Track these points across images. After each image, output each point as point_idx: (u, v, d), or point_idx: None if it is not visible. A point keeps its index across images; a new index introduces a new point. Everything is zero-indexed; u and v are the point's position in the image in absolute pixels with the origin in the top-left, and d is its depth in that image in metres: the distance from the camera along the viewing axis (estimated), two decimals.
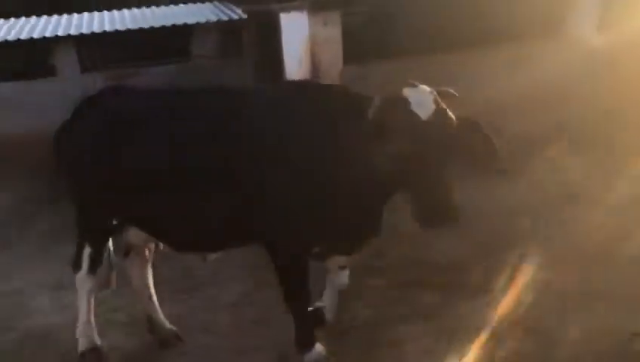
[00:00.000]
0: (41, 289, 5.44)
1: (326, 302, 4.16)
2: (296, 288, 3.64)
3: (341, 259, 3.81)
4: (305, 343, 3.75)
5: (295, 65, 9.27)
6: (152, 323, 4.29)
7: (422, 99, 2.97)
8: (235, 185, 3.40)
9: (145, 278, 4.29)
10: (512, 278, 4.65)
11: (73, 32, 11.29)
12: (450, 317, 4.25)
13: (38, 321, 4.87)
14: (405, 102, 2.96)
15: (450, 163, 3.03)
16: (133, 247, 4.21)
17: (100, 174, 3.75)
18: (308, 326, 3.75)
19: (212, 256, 4.02)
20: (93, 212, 3.96)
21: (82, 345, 4.06)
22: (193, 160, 3.50)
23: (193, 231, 3.76)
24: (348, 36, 9.41)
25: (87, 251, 3.98)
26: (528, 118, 8.55)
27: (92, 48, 12.39)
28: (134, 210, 3.79)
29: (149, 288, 4.30)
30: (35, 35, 11.09)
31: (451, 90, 3.21)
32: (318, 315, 4.08)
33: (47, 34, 11.13)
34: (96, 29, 11.55)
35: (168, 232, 3.89)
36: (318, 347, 3.77)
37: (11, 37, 11.22)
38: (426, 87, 3.09)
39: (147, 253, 4.28)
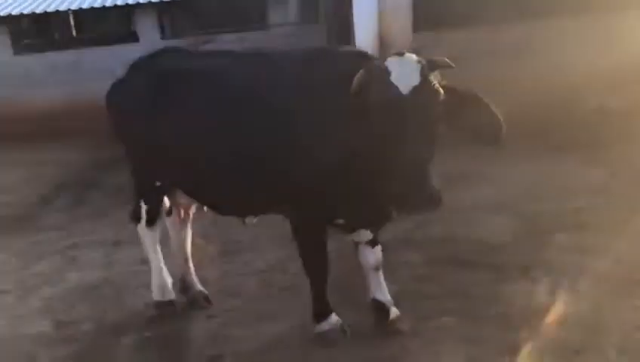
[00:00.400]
0: (94, 245, 5.74)
1: (370, 283, 3.83)
2: (313, 257, 3.61)
3: (366, 234, 3.63)
4: (320, 313, 3.73)
5: (364, 32, 9.09)
6: (184, 284, 4.41)
7: (405, 70, 2.74)
8: (259, 150, 3.37)
9: (183, 239, 4.39)
10: (559, 265, 4.41)
11: None
12: (478, 298, 4.07)
13: (86, 274, 5.14)
14: (385, 73, 2.77)
15: (435, 141, 2.85)
16: (175, 207, 4.31)
17: (142, 135, 3.84)
18: (323, 297, 3.72)
19: (252, 220, 3.99)
20: (140, 172, 4.09)
21: (156, 295, 4.23)
22: (221, 124, 3.51)
23: (226, 194, 3.78)
24: (421, 3, 9.10)
25: (143, 207, 4.12)
26: (625, 92, 8.06)
27: (173, 16, 12.74)
28: (174, 171, 3.86)
29: (185, 249, 4.39)
30: (119, 2, 11.50)
31: (447, 60, 2.93)
32: (378, 307, 3.79)
33: (130, 1, 11.51)
34: None
35: (204, 194, 3.94)
36: (334, 318, 3.74)
37: (97, 4, 11.72)
38: (412, 56, 2.84)
39: (188, 214, 4.37)
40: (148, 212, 4.12)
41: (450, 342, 3.61)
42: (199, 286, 4.43)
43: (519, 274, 4.34)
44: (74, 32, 14.97)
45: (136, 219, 4.20)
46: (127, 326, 4.19)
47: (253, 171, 3.45)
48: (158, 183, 4.00)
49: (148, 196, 4.10)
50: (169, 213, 4.32)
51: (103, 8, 11.88)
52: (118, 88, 4.06)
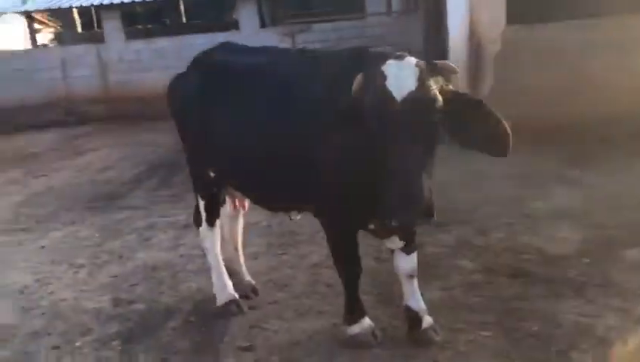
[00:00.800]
0: (167, 227, 6.05)
1: (404, 290, 3.72)
2: (343, 258, 3.59)
3: (396, 240, 3.50)
4: (351, 315, 3.71)
5: (454, 23, 8.82)
6: (232, 274, 4.54)
7: (401, 74, 2.63)
8: (287, 147, 3.40)
9: (234, 229, 4.51)
10: (621, 286, 4.09)
11: None
12: (523, 313, 3.86)
13: (153, 255, 5.44)
14: (382, 77, 2.67)
15: (430, 149, 2.71)
16: (229, 197, 4.42)
17: (194, 127, 4.00)
18: (355, 299, 3.69)
19: (296, 216, 4.05)
20: (196, 163, 4.25)
21: (221, 299, 4.24)
22: (255, 119, 3.57)
23: (261, 188, 3.86)
24: None
25: (201, 203, 4.25)
26: None
27: (272, 5, 13.00)
28: (220, 163, 3.97)
29: (236, 239, 4.52)
30: None
31: (451, 64, 2.78)
32: (410, 315, 3.67)
33: None
34: None
35: (245, 187, 4.03)
36: (366, 321, 3.70)
37: None
38: (411, 60, 2.72)
39: (242, 205, 4.48)
40: (206, 208, 4.23)
41: (481, 358, 3.46)
42: (247, 277, 4.55)
43: (574, 292, 4.07)
44: (184, 19, 15.74)
45: (198, 222, 4.34)
46: (176, 309, 4.40)
47: (281, 167, 3.48)
48: (211, 174, 4.11)
49: (204, 190, 4.23)
50: (222, 202, 4.44)
51: None
52: (176, 80, 4.23)
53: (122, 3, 12.08)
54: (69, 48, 13.59)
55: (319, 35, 11.80)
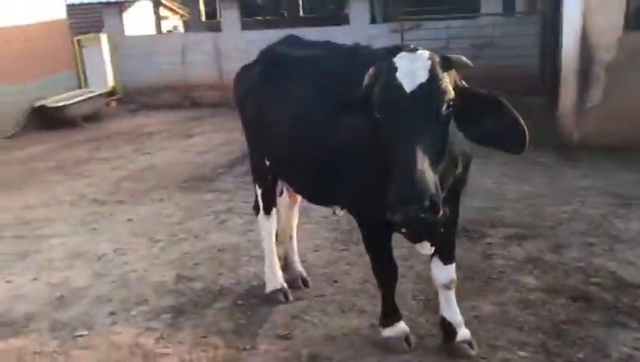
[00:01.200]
0: (243, 212, 6.23)
1: (440, 300, 3.64)
2: (377, 263, 3.56)
3: (426, 246, 3.37)
4: (386, 318, 3.67)
5: (569, 28, 8.30)
6: (286, 262, 4.63)
7: (412, 66, 2.56)
8: (319, 144, 3.40)
9: (290, 219, 4.61)
10: None
11: None
12: (572, 338, 3.61)
13: (224, 237, 5.66)
14: (393, 69, 2.59)
15: (439, 142, 2.57)
16: (287, 188, 4.48)
17: (251, 116, 4.12)
18: (389, 302, 3.64)
19: (339, 211, 4.06)
20: (254, 152, 4.38)
21: (270, 286, 4.38)
22: (298, 112, 3.60)
23: (301, 182, 3.92)
24: None
25: (259, 192, 4.39)
26: None
27: (384, 2, 12.95)
28: (272, 153, 4.07)
29: (291, 229, 4.61)
30: None
31: (464, 59, 2.64)
32: (445, 326, 3.59)
33: None
34: None
35: (290, 178, 4.09)
36: (400, 326, 3.65)
37: None
38: (424, 53, 2.63)
39: (296, 196, 4.55)
40: (262, 196, 4.34)
41: None
42: (300, 267, 4.61)
43: (637, 323, 3.74)
44: (301, 12, 16.09)
45: (257, 210, 4.47)
46: (229, 291, 4.57)
47: (314, 161, 3.49)
48: (267, 162, 4.21)
49: (260, 179, 4.34)
50: (281, 193, 4.53)
51: None
52: (241, 71, 4.36)
53: None
54: (189, 35, 14.36)
55: (429, 33, 11.58)
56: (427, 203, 2.39)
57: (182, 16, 18.09)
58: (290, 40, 4.22)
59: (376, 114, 2.66)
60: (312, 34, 12.19)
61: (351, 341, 3.79)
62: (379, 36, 12.03)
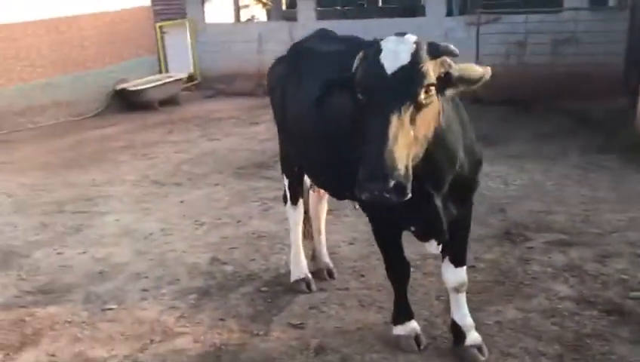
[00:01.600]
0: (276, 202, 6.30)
1: (451, 303, 3.58)
2: (387, 259, 3.53)
3: (433, 245, 3.29)
4: (397, 316, 3.64)
5: None
6: (314, 253, 4.66)
7: (396, 49, 2.50)
8: (331, 140, 3.39)
9: (319, 212, 4.63)
10: None
11: None
12: (594, 351, 3.45)
13: (264, 224, 5.76)
14: (378, 52, 2.54)
15: (420, 127, 2.50)
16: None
17: (279, 107, 4.18)
18: (401, 300, 3.60)
19: (358, 206, 4.02)
20: (281, 143, 4.44)
21: (294, 275, 4.44)
22: (309, 108, 3.60)
23: (319, 175, 3.92)
24: None
25: (286, 182, 4.44)
26: None
27: None
28: (294, 146, 4.11)
29: (320, 221, 4.63)
30: None
31: (451, 47, 2.55)
32: (455, 329, 3.52)
33: None
34: None
35: (310, 173, 4.12)
36: (411, 325, 3.60)
37: None
38: (411, 37, 2.58)
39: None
40: (289, 187, 4.39)
41: None
42: (327, 259, 4.63)
43: None
44: (380, 2, 15.95)
45: (285, 199, 4.51)
46: (256, 277, 4.67)
47: (323, 154, 3.50)
48: (293, 153, 4.23)
49: (287, 169, 4.39)
50: (311, 185, 4.56)
51: None
52: (274, 63, 4.41)
53: None
54: (265, 24, 14.59)
55: (506, 27, 11.20)
56: (391, 182, 2.32)
57: (264, 4, 18.40)
58: (320, 34, 4.22)
59: (359, 95, 2.63)
60: (384, 25, 12.22)
61: (362, 336, 3.78)
62: (454, 29, 11.76)
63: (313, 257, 4.65)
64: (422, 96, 2.48)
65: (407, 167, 2.39)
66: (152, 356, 3.68)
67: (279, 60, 4.33)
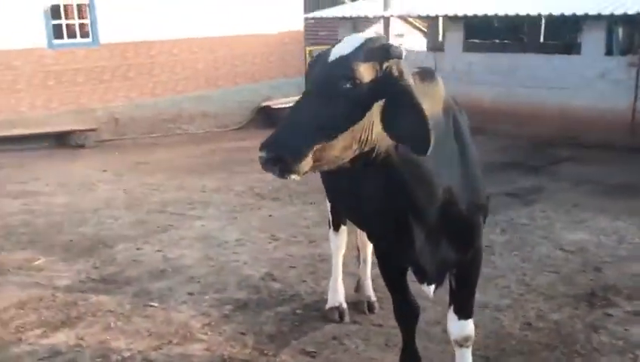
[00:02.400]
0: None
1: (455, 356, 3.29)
2: (392, 299, 3.34)
3: (428, 289, 3.01)
4: (402, 357, 3.42)
5: None
6: (358, 284, 4.51)
7: (345, 42, 2.38)
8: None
9: (365, 242, 4.47)
10: None
11: (605, 12, 10.65)
12: None
13: (310, 247, 5.64)
14: (334, 46, 2.42)
15: (338, 119, 2.23)
16: None
17: None
18: (406, 344, 3.39)
19: None
20: None
21: (330, 302, 4.33)
22: None
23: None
24: None
25: (328, 206, 4.35)
26: None
27: (624, 31, 11.48)
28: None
29: (366, 250, 4.47)
30: (567, 13, 11.03)
31: (400, 49, 2.30)
32: None
33: (579, 12, 10.89)
34: (631, 11, 10.50)
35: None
36: None
37: (538, 12, 11.53)
38: (365, 35, 2.43)
39: None
40: (331, 211, 4.32)
41: None
42: (369, 292, 4.46)
43: None
44: (542, 38, 15.13)
45: (328, 224, 4.46)
46: (298, 299, 4.62)
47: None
48: None
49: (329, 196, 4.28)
50: None
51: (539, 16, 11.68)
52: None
53: (466, 16, 12.28)
54: (412, 53, 14.39)
55: None
56: (270, 154, 2.14)
57: (424, 34, 18.30)
58: None
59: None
60: (533, 62, 11.55)
61: None
62: (612, 70, 10.80)
63: (357, 288, 4.51)
64: (345, 88, 2.25)
65: (302, 148, 2.16)
66: (162, 356, 3.80)
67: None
